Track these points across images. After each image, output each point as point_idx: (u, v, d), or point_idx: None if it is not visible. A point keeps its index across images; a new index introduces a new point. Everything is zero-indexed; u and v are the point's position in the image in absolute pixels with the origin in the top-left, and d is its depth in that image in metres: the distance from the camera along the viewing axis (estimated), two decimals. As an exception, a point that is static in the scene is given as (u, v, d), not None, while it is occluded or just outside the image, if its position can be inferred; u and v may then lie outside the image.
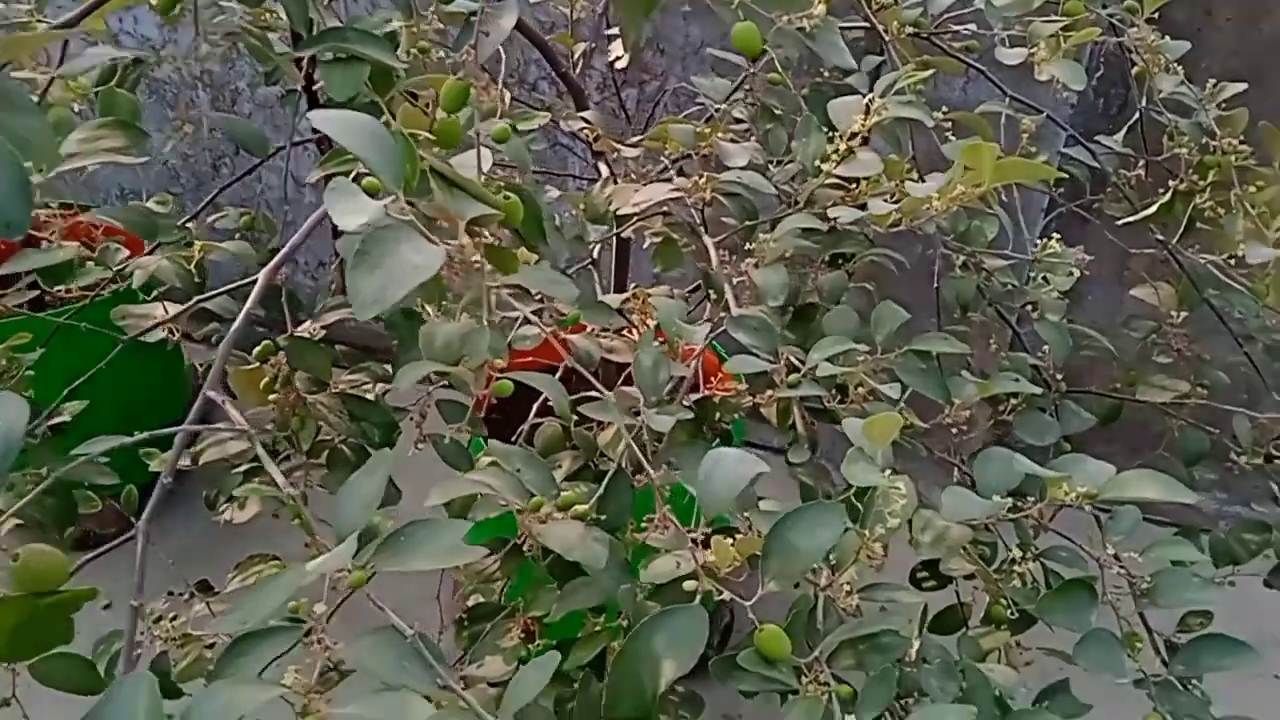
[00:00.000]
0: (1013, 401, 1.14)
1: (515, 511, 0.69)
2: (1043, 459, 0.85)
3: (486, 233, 0.60)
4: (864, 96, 0.92)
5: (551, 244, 1.01)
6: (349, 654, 0.48)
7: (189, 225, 0.88)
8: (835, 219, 0.87)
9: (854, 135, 0.92)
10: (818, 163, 0.94)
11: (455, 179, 0.55)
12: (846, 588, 0.70)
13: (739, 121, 1.19)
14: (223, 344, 0.65)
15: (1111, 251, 1.43)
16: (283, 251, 0.72)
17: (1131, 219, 1.14)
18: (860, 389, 0.87)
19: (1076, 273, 0.95)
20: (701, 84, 1.15)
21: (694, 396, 1.18)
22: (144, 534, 0.56)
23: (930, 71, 0.91)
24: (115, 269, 0.86)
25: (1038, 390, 0.88)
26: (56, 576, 0.51)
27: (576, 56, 1.37)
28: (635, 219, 1.13)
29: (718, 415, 1.09)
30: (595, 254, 1.23)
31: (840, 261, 1.13)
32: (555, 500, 0.73)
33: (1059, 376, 1.11)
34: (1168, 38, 1.14)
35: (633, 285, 1.10)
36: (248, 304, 0.67)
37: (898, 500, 0.65)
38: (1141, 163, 1.25)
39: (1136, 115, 1.22)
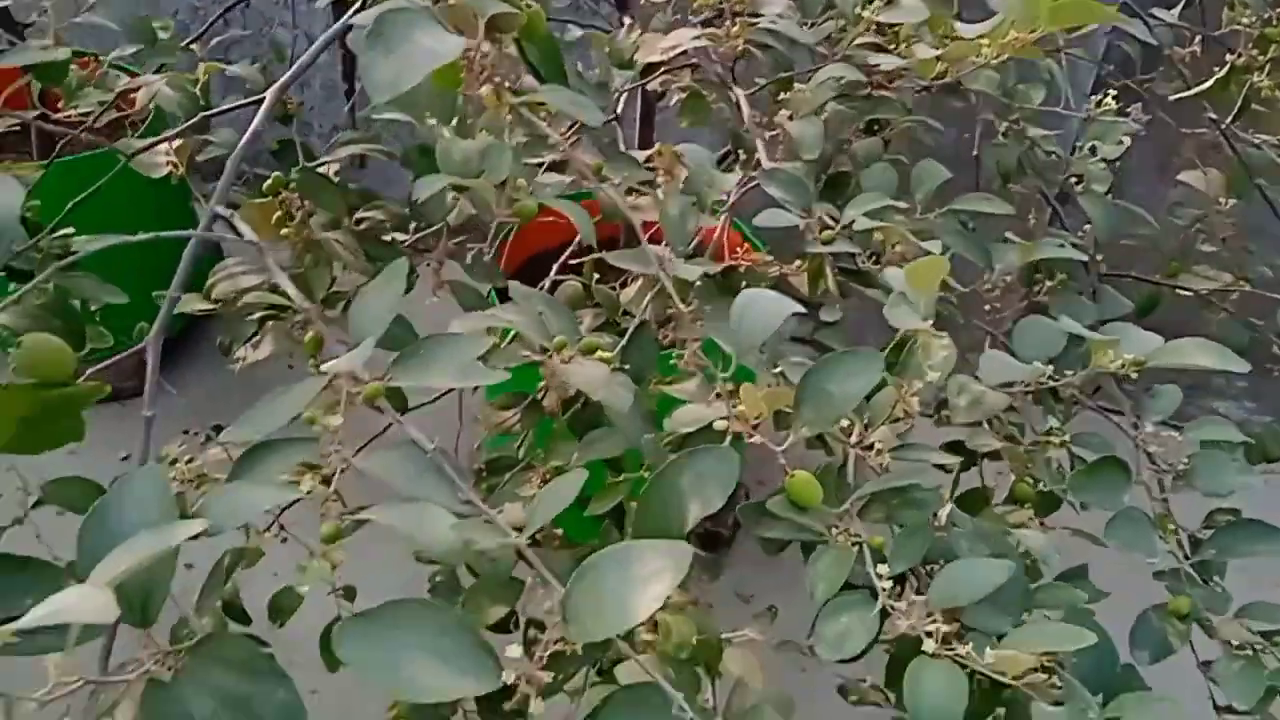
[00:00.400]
0: (1048, 283, 1.10)
1: (538, 355, 0.66)
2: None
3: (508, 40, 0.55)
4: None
5: (572, 87, 0.96)
6: (368, 465, 0.45)
7: (193, 46, 0.83)
8: (876, 67, 0.81)
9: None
10: (858, 9, 0.88)
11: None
12: (879, 444, 0.67)
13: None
14: (230, 158, 0.61)
15: (1153, 145, 1.37)
16: (292, 70, 0.67)
17: (1183, 94, 1.08)
18: (897, 248, 0.83)
19: (1127, 141, 0.90)
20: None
21: (718, 265, 1.15)
22: (154, 351, 0.53)
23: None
24: (115, 92, 0.81)
25: (1082, 258, 0.83)
26: (60, 366, 0.48)
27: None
28: (661, 70, 1.07)
29: (744, 285, 1.05)
30: (618, 109, 1.18)
31: (875, 129, 1.08)
32: (578, 345, 0.70)
33: (1099, 258, 1.06)
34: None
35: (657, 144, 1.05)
36: (256, 119, 0.63)
37: (939, 351, 0.62)
38: (1198, 38, 1.18)
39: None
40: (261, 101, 0.66)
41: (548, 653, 0.40)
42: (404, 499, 0.43)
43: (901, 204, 0.80)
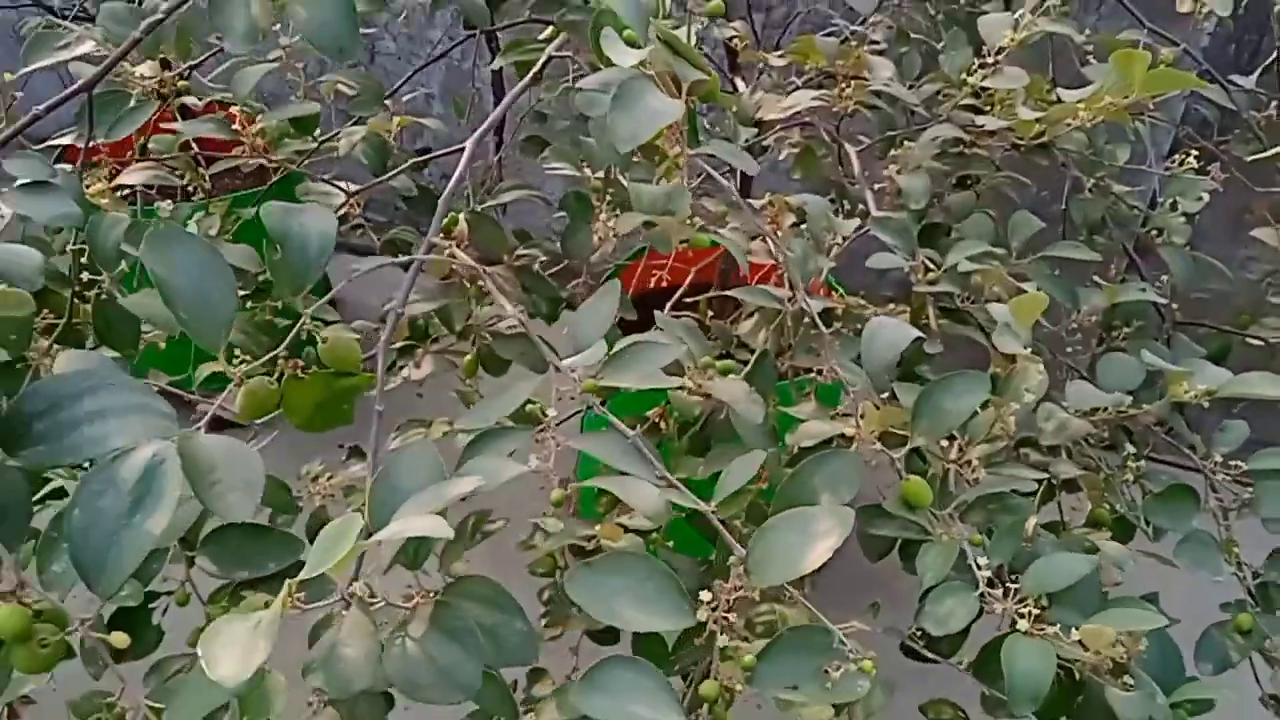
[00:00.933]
0: (1125, 329, 1.19)
1: (683, 372, 0.78)
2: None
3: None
4: (1013, 13, 0.97)
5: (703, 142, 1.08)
6: (579, 443, 0.57)
7: (387, 101, 0.97)
8: (980, 127, 0.92)
9: (1001, 50, 0.97)
10: (963, 75, 0.99)
11: (678, 46, 0.63)
12: (976, 460, 0.77)
13: (874, 44, 1.24)
14: (443, 196, 0.73)
15: (1228, 204, 1.45)
16: (487, 121, 0.80)
17: (1259, 155, 1.16)
18: (995, 288, 0.94)
19: (1205, 197, 1.00)
20: None
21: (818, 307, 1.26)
22: (383, 354, 0.65)
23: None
24: (319, 141, 0.95)
25: (1161, 301, 0.93)
26: (353, 359, 0.61)
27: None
28: (777, 127, 1.19)
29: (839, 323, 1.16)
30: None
31: (969, 183, 1.18)
32: (715, 367, 0.81)
33: (1174, 306, 1.15)
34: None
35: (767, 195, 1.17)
36: (460, 165, 0.75)
37: (1035, 376, 0.72)
38: (1275, 103, 1.27)
39: (1275, 55, 1.24)
40: (461, 150, 0.79)
41: (733, 598, 0.51)
42: (615, 473, 0.55)
43: (998, 250, 0.91)
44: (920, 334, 0.71)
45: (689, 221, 0.76)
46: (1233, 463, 0.90)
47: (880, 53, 1.23)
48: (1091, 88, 0.82)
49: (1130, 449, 0.89)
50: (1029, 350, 0.72)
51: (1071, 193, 1.09)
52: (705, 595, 0.51)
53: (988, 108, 1.04)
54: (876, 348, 0.69)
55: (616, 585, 0.51)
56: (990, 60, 0.98)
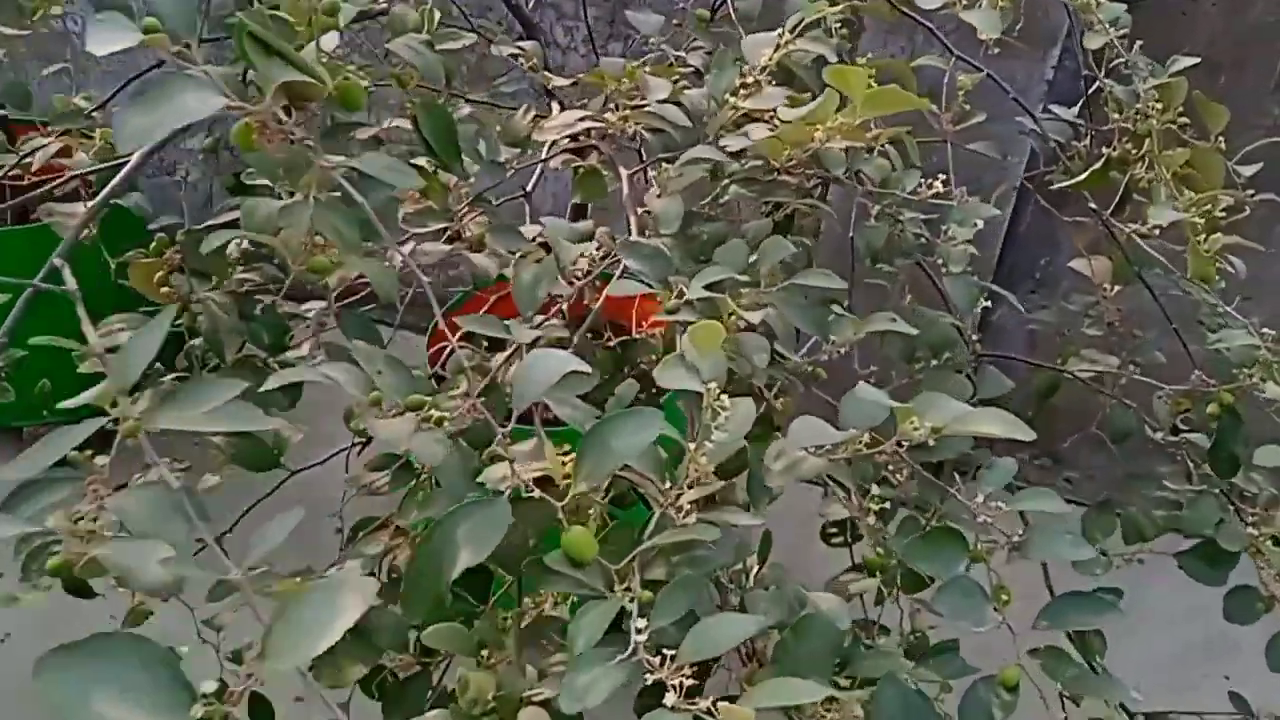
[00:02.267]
0: (934, 362, 1.13)
1: (354, 406, 0.70)
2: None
3: (314, 107, 0.60)
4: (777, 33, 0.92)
5: (469, 165, 1.02)
6: (114, 503, 0.49)
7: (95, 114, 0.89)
8: (724, 149, 0.86)
9: (763, 69, 0.92)
10: (727, 95, 0.94)
11: (275, 45, 0.56)
12: (686, 505, 0.70)
13: (692, 67, 1.19)
14: (92, 203, 0.66)
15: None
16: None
17: (1063, 184, 1.12)
18: (732, 317, 0.87)
19: (980, 224, 0.94)
20: (636, 18, 1.15)
21: (620, 339, 1.19)
22: None
23: (840, 6, 0.90)
24: (20, 156, 0.87)
25: (912, 331, 0.87)
26: None
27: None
28: (559, 149, 1.13)
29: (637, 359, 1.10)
30: (531, 185, 1.24)
31: (775, 210, 1.13)
32: (404, 402, 0.74)
33: (975, 337, 1.10)
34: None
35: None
36: (125, 169, 0.68)
37: (722, 414, 0.65)
38: (1092, 133, 1.23)
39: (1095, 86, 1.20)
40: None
41: (246, 689, 0.43)
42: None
43: (743, 277, 0.84)
44: (583, 366, 0.64)
45: (316, 244, 0.69)
46: (994, 504, 0.84)
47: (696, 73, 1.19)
48: (810, 105, 0.77)
49: (875, 490, 0.83)
50: (715, 384, 0.65)
51: (859, 220, 1.03)
52: (208, 686, 0.43)
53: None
54: (528, 382, 0.62)
55: (101, 675, 0.42)
56: (750, 80, 0.92)
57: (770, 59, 0.91)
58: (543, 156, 1.17)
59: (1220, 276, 1.06)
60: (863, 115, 0.75)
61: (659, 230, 0.89)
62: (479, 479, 0.65)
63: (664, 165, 0.95)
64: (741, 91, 0.93)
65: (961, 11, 0.94)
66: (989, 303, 1.06)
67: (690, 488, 0.69)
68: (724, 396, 0.65)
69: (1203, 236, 0.95)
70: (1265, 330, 0.99)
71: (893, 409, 0.74)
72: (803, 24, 0.90)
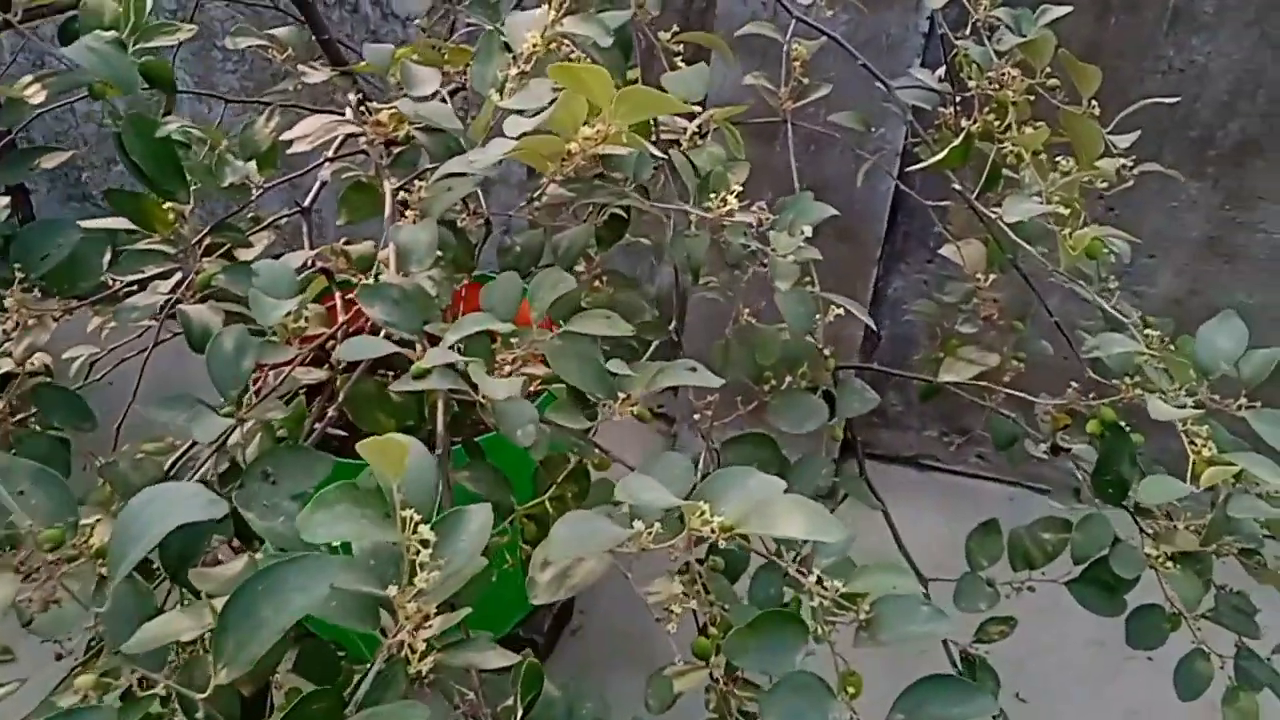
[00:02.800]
0: (790, 380, 0.98)
1: None
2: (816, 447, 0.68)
3: None
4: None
5: (194, 191, 0.83)
6: None
7: None
8: (475, 163, 0.68)
9: (528, 57, 0.74)
10: (492, 91, 0.76)
11: None
12: (421, 646, 0.54)
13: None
14: None
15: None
16: None
17: (919, 167, 0.97)
18: (523, 371, 0.71)
19: (807, 230, 0.78)
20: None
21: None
22: None
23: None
24: None
25: (714, 382, 0.70)
26: None
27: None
28: (325, 162, 0.94)
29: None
30: (308, 201, 1.05)
31: (595, 213, 0.96)
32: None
33: (826, 352, 0.94)
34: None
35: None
36: None
37: (424, 550, 0.49)
38: (956, 102, 1.07)
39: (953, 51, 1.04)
40: None
41: None
42: None
43: (505, 327, 0.67)
44: (211, 511, 0.46)
45: None
46: (829, 582, 0.69)
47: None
48: (541, 117, 0.60)
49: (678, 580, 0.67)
50: (409, 514, 0.48)
51: (677, 229, 0.86)
52: None
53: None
54: (131, 533, 0.45)
55: None
56: (514, 71, 0.75)
57: (537, 43, 0.73)
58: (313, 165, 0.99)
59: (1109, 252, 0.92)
60: (616, 121, 0.57)
61: (405, 267, 0.72)
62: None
63: (417, 182, 0.78)
64: (508, 85, 0.75)
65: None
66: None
67: (416, 630, 0.53)
68: (423, 528, 0.48)
69: (1069, 230, 0.79)
70: (1149, 330, 0.84)
71: (670, 505, 0.58)
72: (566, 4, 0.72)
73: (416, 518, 0.49)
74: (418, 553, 0.49)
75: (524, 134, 0.61)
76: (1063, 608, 1.01)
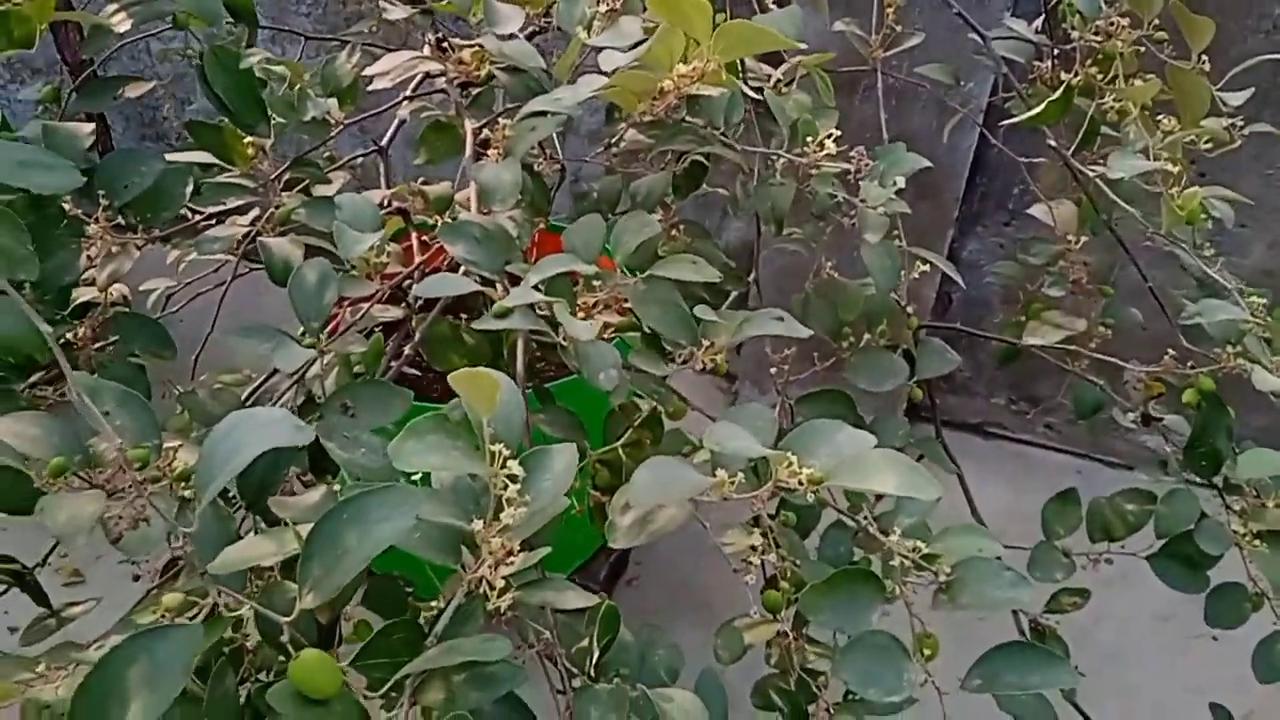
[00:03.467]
0: (867, 336, 0.95)
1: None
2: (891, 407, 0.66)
3: None
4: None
5: (274, 125, 0.83)
6: None
7: None
8: (562, 102, 0.66)
9: (618, -6, 0.72)
10: (579, 28, 0.74)
11: None
12: (500, 583, 0.53)
13: None
14: None
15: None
16: None
17: (1013, 120, 0.93)
18: (599, 317, 0.69)
19: (900, 182, 0.75)
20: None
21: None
22: None
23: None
24: None
25: (803, 332, 0.68)
26: None
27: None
28: (404, 101, 0.93)
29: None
30: (386, 140, 1.04)
31: (674, 160, 0.94)
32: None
33: (909, 310, 0.92)
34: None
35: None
36: None
37: (512, 485, 0.48)
38: (1054, 54, 1.03)
39: (1054, -1, 0.99)
40: None
41: None
42: None
43: (588, 269, 0.66)
44: (299, 437, 0.46)
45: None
46: (909, 543, 0.67)
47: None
48: (639, 50, 0.57)
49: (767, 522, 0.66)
50: (498, 448, 0.47)
51: (750, 180, 0.84)
52: None
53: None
54: (218, 456, 0.44)
55: None
56: (606, 8, 0.73)
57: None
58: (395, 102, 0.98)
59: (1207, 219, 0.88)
60: (714, 58, 0.55)
61: (488, 206, 0.71)
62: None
63: (500, 121, 0.76)
64: (597, 22, 0.74)
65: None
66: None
67: (497, 567, 0.52)
68: (512, 463, 0.48)
69: (1176, 189, 0.76)
70: (1253, 298, 0.80)
71: (759, 454, 0.56)
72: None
73: (506, 453, 0.48)
74: (505, 488, 0.49)
75: (617, 70, 0.59)
76: (1131, 580, 0.98)
